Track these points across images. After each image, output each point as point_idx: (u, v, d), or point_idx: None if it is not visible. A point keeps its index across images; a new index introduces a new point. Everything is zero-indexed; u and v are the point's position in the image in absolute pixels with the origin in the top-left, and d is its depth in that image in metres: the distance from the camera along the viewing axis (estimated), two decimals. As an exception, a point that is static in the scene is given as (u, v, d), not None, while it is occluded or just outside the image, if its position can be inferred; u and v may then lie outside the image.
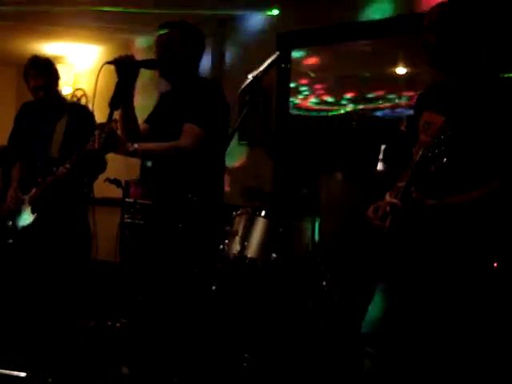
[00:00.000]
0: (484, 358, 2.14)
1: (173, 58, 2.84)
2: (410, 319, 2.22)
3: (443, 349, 2.14)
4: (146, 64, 2.80)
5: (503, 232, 2.17)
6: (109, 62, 2.65)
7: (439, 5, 2.22)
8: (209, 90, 2.87)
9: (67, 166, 3.40)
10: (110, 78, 2.74)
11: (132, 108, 2.84)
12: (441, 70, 2.24)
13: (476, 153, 2.08)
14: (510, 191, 2.09)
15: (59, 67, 3.87)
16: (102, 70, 2.59)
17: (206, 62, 5.02)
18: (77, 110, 3.74)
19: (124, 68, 2.68)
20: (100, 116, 2.88)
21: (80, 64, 6.75)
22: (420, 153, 2.05)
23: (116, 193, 4.97)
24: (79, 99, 6.68)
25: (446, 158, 1.97)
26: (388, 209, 2.15)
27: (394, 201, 2.11)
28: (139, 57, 2.85)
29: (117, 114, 2.88)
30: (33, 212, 3.56)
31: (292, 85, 4.85)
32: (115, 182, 4.81)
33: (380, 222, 2.19)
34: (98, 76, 2.57)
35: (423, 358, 2.18)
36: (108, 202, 5.45)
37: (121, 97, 2.68)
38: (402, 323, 2.25)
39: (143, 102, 3.59)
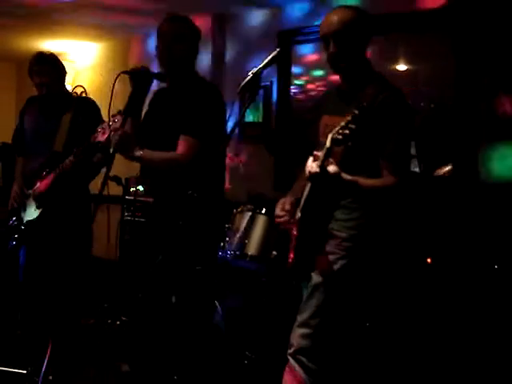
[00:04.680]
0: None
1: (179, 51, 2.81)
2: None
3: None
4: (160, 76, 2.84)
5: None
6: (125, 72, 2.71)
7: (331, 15, 2.36)
8: (206, 98, 2.82)
9: (71, 158, 3.37)
10: (109, 76, 2.74)
11: (140, 115, 2.92)
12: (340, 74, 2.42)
13: (371, 149, 2.26)
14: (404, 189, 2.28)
15: (59, 64, 3.85)
16: (102, 69, 2.62)
17: (205, 61, 5.04)
18: (83, 103, 3.71)
19: (139, 79, 2.73)
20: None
21: (80, 61, 6.74)
22: (329, 136, 2.11)
23: (115, 190, 4.97)
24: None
25: (350, 142, 2.06)
26: (307, 175, 2.21)
27: (315, 170, 2.13)
28: (138, 56, 2.85)
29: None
30: (38, 207, 3.54)
31: (293, 81, 4.84)
32: (115, 179, 4.80)
33: (288, 224, 2.42)
34: (113, 85, 2.59)
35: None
36: (107, 199, 5.45)
37: (134, 106, 2.76)
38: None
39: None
